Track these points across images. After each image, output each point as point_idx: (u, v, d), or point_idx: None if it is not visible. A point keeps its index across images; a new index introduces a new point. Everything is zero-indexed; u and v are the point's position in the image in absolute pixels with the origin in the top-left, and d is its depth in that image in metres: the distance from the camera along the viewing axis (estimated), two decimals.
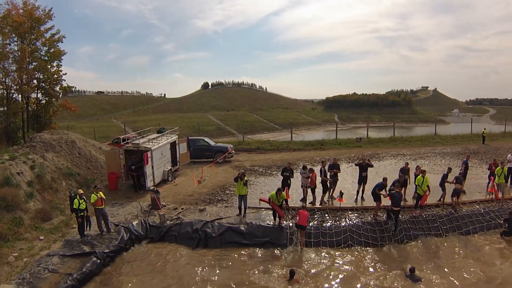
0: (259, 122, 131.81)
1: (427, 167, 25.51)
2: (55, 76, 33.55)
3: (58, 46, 33.64)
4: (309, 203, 19.47)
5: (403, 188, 19.23)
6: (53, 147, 23.54)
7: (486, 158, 29.36)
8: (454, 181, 18.93)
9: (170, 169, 25.27)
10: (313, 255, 15.87)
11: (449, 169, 19.92)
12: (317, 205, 19.43)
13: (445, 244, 16.54)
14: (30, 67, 32.11)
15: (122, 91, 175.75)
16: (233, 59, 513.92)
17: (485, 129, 40.19)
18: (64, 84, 34.53)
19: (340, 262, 15.32)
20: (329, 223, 17.51)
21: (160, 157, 23.71)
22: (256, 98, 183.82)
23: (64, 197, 20.05)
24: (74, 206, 15.93)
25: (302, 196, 19.95)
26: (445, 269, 14.45)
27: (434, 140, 40.57)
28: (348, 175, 24.23)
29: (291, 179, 20.00)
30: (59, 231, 17.27)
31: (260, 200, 19.15)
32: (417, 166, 19.56)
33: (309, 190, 19.76)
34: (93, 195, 16.57)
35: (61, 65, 34.22)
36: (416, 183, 18.15)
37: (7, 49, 31.30)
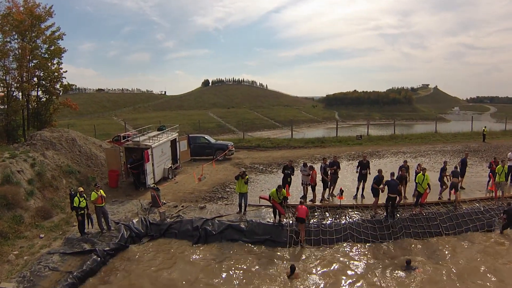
0: (259, 119, 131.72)
1: (427, 165, 25.55)
2: (56, 73, 33.64)
3: (59, 43, 33.79)
4: (309, 201, 19.46)
5: (403, 186, 19.24)
6: (53, 145, 23.55)
7: (486, 156, 29.33)
8: (451, 176, 19.10)
9: (171, 166, 25.29)
10: (313, 252, 15.87)
11: (445, 163, 20.10)
12: (317, 202, 19.43)
13: (445, 242, 16.53)
14: (30, 65, 32.18)
15: (122, 89, 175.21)
16: (234, 56, 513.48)
17: (485, 127, 40.15)
18: (65, 81, 34.69)
19: (340, 259, 15.30)
20: (329, 221, 17.51)
21: (160, 154, 23.73)
22: (257, 96, 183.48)
23: (65, 195, 20.06)
24: (75, 204, 15.93)
25: (302, 194, 19.95)
26: (444, 266, 14.46)
27: (435, 138, 40.50)
28: (348, 173, 24.22)
29: (292, 176, 19.98)
30: (60, 229, 17.28)
31: (260, 197, 19.15)
32: (418, 164, 19.55)
33: (309, 188, 19.75)
34: (93, 193, 16.56)
35: (62, 63, 34.35)
36: (417, 181, 18.12)
37: (8, 47, 31.35)
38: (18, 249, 15.22)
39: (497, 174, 19.40)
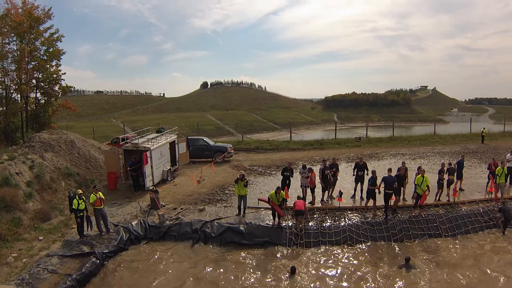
0: (258, 121, 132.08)
1: (426, 166, 25.55)
2: (54, 75, 33.68)
3: (57, 45, 33.87)
4: (309, 203, 19.43)
5: (403, 187, 19.24)
6: (52, 147, 23.52)
7: (485, 158, 29.38)
8: (447, 173, 19.31)
9: (170, 169, 25.26)
10: (313, 254, 15.85)
11: (443, 164, 20.06)
12: (317, 204, 19.41)
13: (444, 243, 16.50)
14: (29, 67, 32.20)
15: (121, 91, 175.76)
16: (232, 58, 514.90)
17: (484, 128, 40.28)
18: (63, 83, 34.70)
19: (340, 261, 15.28)
20: (328, 223, 17.48)
21: (159, 157, 23.70)
22: (255, 98, 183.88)
23: (63, 197, 20.03)
24: (73, 207, 15.88)
25: (302, 196, 19.93)
26: (444, 268, 14.43)
27: (433, 139, 40.59)
28: (347, 175, 24.20)
29: (291, 178, 19.97)
30: (58, 231, 17.24)
31: (259, 200, 19.14)
32: (419, 167, 19.52)
33: (308, 190, 19.75)
34: (92, 195, 16.51)
35: (60, 65, 34.47)
36: (416, 183, 18.09)
37: (6, 49, 31.41)
38: (17, 252, 15.17)
39: (497, 176, 19.41)
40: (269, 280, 14.00)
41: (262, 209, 18.94)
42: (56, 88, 34.42)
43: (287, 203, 18.21)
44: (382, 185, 17.86)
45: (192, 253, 16.19)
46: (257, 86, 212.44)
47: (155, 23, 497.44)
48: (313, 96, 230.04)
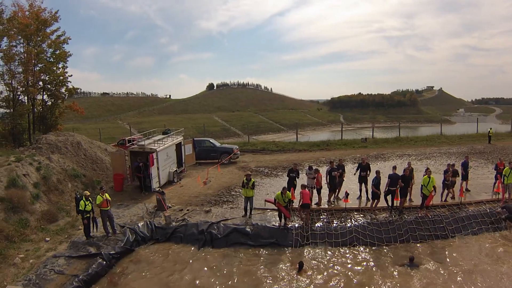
0: (264, 123, 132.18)
1: (432, 167, 25.37)
2: (61, 77, 33.79)
3: (64, 47, 33.94)
4: (315, 204, 19.43)
5: (410, 188, 19.13)
6: (59, 148, 23.64)
7: (492, 158, 29.16)
8: (451, 175, 19.36)
9: (176, 170, 25.29)
10: (319, 254, 15.84)
11: (449, 165, 20.14)
12: (323, 205, 19.37)
13: (451, 244, 16.41)
14: (36, 69, 32.33)
15: (127, 92, 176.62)
16: (238, 60, 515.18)
17: (491, 128, 40.01)
18: (70, 85, 34.80)
19: (346, 262, 15.25)
20: (334, 224, 17.44)
21: (165, 158, 23.73)
22: (262, 99, 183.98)
23: (70, 199, 20.10)
24: (80, 208, 15.95)
25: (306, 184, 19.90)
26: (449, 269, 14.36)
27: (440, 140, 40.40)
28: (353, 176, 24.07)
29: (297, 179, 19.93)
30: (65, 233, 17.29)
31: (266, 201, 19.12)
32: (427, 168, 19.41)
33: (314, 191, 19.71)
34: (98, 196, 16.56)
35: (67, 67, 34.52)
36: (422, 183, 17.99)
37: (13, 51, 31.49)
38: (24, 252, 15.22)
39: (505, 176, 19.26)
40: (277, 275, 14.24)
41: (269, 210, 18.92)
42: (63, 90, 34.55)
43: (293, 204, 18.15)
44: (388, 182, 17.95)
45: (198, 254, 16.20)
46: (263, 87, 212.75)
47: (161, 25, 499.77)
48: (319, 97, 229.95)
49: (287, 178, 20.06)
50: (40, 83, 33.33)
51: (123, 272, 14.82)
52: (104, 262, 14.86)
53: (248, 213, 18.44)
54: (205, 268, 14.98)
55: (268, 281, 13.99)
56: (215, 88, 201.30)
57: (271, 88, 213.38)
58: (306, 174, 20.01)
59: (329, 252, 15.99)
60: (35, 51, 31.79)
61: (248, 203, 18.40)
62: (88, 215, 16.14)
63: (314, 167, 19.99)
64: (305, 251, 16.11)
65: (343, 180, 20.42)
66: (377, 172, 18.31)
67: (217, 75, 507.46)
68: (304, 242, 16.54)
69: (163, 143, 24.19)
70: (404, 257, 15.27)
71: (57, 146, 23.78)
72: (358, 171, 20.05)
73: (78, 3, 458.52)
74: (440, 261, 14.98)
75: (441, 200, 19.41)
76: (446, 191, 19.48)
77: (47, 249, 15.61)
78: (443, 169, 21.65)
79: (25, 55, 31.55)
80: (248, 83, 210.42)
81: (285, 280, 13.95)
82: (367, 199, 19.80)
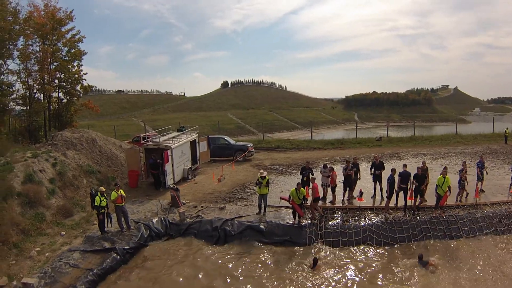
0: (279, 121, 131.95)
1: (448, 167, 25.08)
2: (76, 75, 34.15)
3: (79, 46, 34.32)
4: (329, 202, 19.35)
5: (424, 188, 18.85)
6: (74, 145, 23.82)
7: (508, 159, 28.59)
8: (466, 173, 19.26)
9: (190, 167, 25.36)
10: (333, 252, 15.79)
11: (464, 163, 20.10)
12: (337, 204, 19.26)
13: (465, 245, 16.17)
14: (51, 67, 32.71)
15: (142, 90, 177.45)
16: (252, 58, 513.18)
17: (507, 128, 39.31)
18: (85, 83, 35.18)
19: (359, 260, 15.20)
20: (349, 222, 17.32)
21: (180, 155, 23.80)
22: (276, 97, 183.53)
23: (85, 194, 20.25)
24: (96, 203, 16.09)
25: (322, 195, 19.82)
26: (463, 270, 14.20)
27: (455, 139, 39.82)
28: (368, 174, 23.89)
29: (311, 176, 19.78)
30: (80, 227, 17.47)
31: (281, 198, 19.04)
32: (445, 167, 19.15)
33: (329, 189, 19.61)
34: (113, 192, 16.66)
35: (82, 65, 34.91)
36: (437, 183, 17.75)
37: (30, 50, 31.89)
38: (40, 246, 15.41)
39: None
40: (291, 271, 14.38)
41: (283, 208, 18.82)
42: (78, 87, 34.91)
43: (307, 202, 18.04)
44: (398, 180, 17.97)
45: (212, 250, 16.23)
46: (277, 85, 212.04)
47: (175, 23, 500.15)
48: (334, 95, 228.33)
49: (301, 176, 19.95)
50: (56, 81, 33.73)
51: (136, 266, 14.89)
52: (119, 256, 14.97)
53: (262, 211, 18.40)
54: (219, 263, 15.03)
55: (283, 277, 14.00)
56: (229, 86, 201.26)
57: (285, 86, 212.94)
58: (320, 172, 19.91)
59: (342, 251, 15.91)
60: (51, 49, 32.14)
61: (262, 201, 18.37)
62: (103, 210, 16.27)
63: (328, 166, 19.88)
64: (318, 249, 16.05)
65: (358, 178, 20.26)
66: (392, 170, 18.16)
67: (231, 73, 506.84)
68: (317, 240, 16.47)
69: (177, 140, 24.26)
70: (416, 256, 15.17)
71: (73, 142, 23.96)
72: (373, 170, 19.87)
73: (92, 2, 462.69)
74: (453, 261, 14.81)
75: (456, 200, 19.17)
76: (462, 191, 19.21)
77: (63, 243, 15.79)
78: (458, 169, 21.43)
79: (41, 53, 31.94)
80: (262, 81, 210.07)
81: (300, 276, 13.95)
82: (381, 198, 19.65)
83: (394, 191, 18.16)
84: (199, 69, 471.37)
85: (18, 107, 34.22)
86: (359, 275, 14.05)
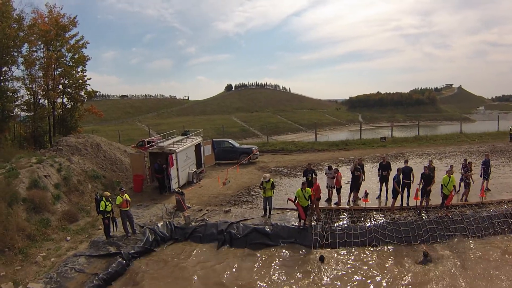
0: (283, 123, 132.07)
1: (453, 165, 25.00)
2: (80, 81, 34.42)
3: (83, 52, 34.63)
4: (334, 204, 19.29)
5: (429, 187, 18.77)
6: (79, 150, 23.89)
7: None
8: (470, 173, 19.36)
9: (195, 171, 25.34)
10: (338, 254, 15.73)
11: (465, 160, 20.14)
12: (342, 205, 19.19)
13: (471, 244, 16.06)
14: (55, 73, 32.93)
15: (145, 95, 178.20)
16: (256, 61, 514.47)
17: None
18: (89, 88, 35.44)
19: (365, 260, 15.18)
20: (354, 224, 17.26)
21: (185, 159, 23.78)
22: (280, 99, 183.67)
23: (90, 199, 20.29)
24: (101, 208, 16.09)
25: (327, 197, 19.75)
26: (470, 269, 14.12)
27: (460, 138, 39.65)
28: (373, 175, 23.83)
29: (314, 176, 19.68)
30: (85, 232, 17.48)
31: (289, 200, 18.97)
32: (451, 166, 19.05)
33: (334, 191, 19.55)
34: (118, 197, 16.67)
35: (86, 70, 35.19)
36: (442, 183, 17.67)
37: (34, 56, 32.12)
38: (45, 251, 15.42)
39: None
40: (298, 269, 14.52)
41: (288, 210, 18.79)
42: (82, 93, 35.16)
43: (311, 201, 17.91)
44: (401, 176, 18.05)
45: (217, 253, 16.21)
46: (281, 87, 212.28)
47: (178, 27, 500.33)
48: (338, 96, 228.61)
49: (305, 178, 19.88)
50: (60, 86, 33.97)
51: (142, 270, 14.88)
52: (124, 261, 14.97)
53: (267, 213, 18.36)
54: (225, 266, 15.00)
55: (289, 279, 14.00)
56: (233, 89, 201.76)
57: (289, 88, 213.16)
58: (325, 174, 19.84)
59: (348, 252, 15.85)
60: (55, 55, 32.34)
61: (267, 203, 18.32)
62: (108, 215, 16.28)
63: (333, 167, 19.82)
64: (324, 251, 15.96)
65: (363, 179, 20.17)
66: (398, 170, 18.13)
67: (235, 76, 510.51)
68: (323, 242, 16.38)
69: (182, 144, 24.23)
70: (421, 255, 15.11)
71: (77, 148, 24.04)
72: (380, 171, 19.75)
73: (96, 8, 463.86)
74: (459, 261, 14.73)
75: (461, 199, 19.08)
76: (467, 190, 19.11)
77: (68, 248, 15.81)
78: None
79: (45, 59, 32.18)
80: (266, 84, 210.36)
81: (306, 279, 13.94)
82: (387, 198, 19.56)
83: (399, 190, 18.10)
84: (203, 73, 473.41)
85: (23, 113, 34.54)
86: (364, 276, 14.00)
